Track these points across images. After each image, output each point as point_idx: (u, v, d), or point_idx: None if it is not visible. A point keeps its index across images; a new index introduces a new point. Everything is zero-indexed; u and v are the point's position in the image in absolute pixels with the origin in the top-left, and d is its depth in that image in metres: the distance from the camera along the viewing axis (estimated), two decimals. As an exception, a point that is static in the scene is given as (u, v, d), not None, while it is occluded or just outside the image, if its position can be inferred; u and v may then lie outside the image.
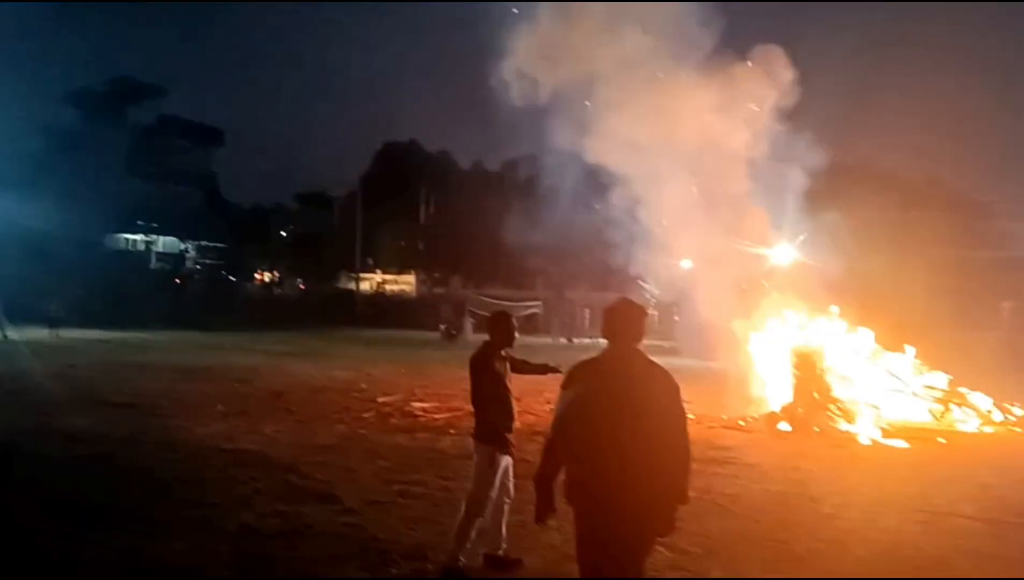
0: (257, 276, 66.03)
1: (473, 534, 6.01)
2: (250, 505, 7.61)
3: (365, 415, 13.53)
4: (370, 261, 63.03)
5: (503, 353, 6.22)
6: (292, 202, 70.03)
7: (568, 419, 4.24)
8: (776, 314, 16.51)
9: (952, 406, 15.15)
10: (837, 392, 14.22)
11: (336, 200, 63.73)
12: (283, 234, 66.51)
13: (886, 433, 13.28)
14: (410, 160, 61.28)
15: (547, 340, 40.97)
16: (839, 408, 13.87)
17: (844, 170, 39.94)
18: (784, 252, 24.65)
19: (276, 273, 66.84)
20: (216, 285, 55.66)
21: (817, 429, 13.30)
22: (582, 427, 4.19)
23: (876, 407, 14.52)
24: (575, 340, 38.87)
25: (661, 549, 6.48)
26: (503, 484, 6.07)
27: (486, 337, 6.29)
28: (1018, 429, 14.46)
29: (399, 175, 59.07)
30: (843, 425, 13.56)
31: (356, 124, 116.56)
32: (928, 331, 23.53)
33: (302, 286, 63.63)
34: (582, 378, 4.35)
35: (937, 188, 45.73)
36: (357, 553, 6.28)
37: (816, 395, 13.88)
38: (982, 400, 15.20)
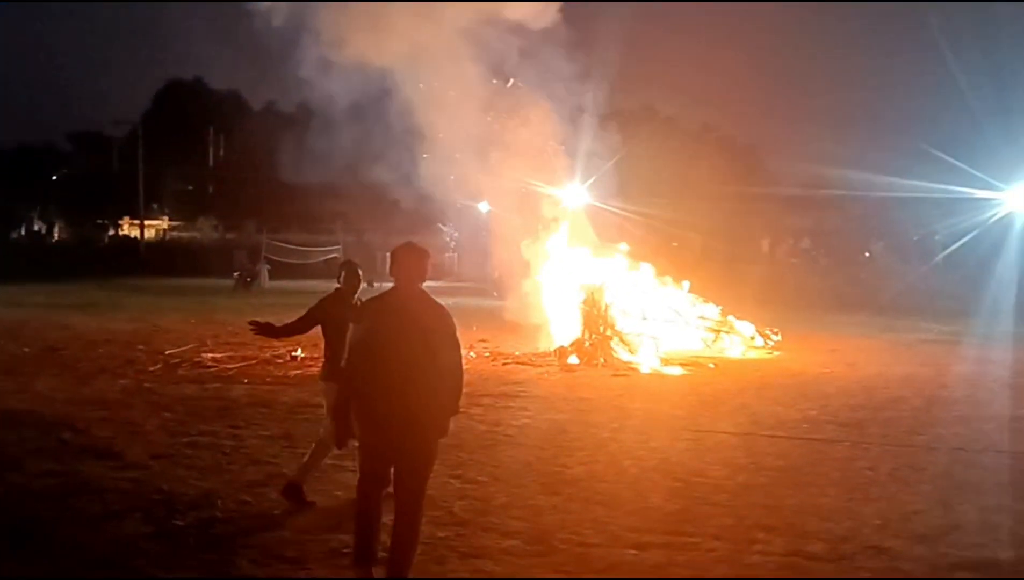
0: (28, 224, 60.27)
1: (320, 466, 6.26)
2: (20, 467, 7.14)
3: (151, 368, 12.92)
4: (155, 206, 59.14)
5: (355, 299, 6.38)
6: (65, 143, 63.94)
7: (357, 349, 4.71)
8: (565, 252, 17.28)
9: (722, 334, 16.64)
10: (621, 325, 15.18)
11: (115, 141, 58.87)
12: (54, 178, 60.70)
13: (664, 361, 14.39)
14: (196, 100, 57.65)
15: (348, 285, 40.68)
16: (622, 340, 14.82)
17: (629, 116, 41.91)
18: (576, 194, 25.66)
19: (47, 220, 61.25)
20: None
21: (603, 361, 14.16)
22: (369, 356, 4.64)
23: (656, 338, 15.66)
24: (376, 284, 38.68)
25: (451, 480, 6.80)
26: None
27: (337, 285, 6.58)
28: (776, 352, 16.09)
29: (184, 116, 55.48)
30: (626, 356, 14.52)
31: (137, 60, 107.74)
32: (702, 265, 25.54)
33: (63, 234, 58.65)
34: (370, 314, 4.87)
35: (711, 132, 48.96)
36: (140, 507, 6.08)
37: (601, 329, 14.74)
38: (747, 328, 16.78)
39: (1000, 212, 31.89)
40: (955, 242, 34.55)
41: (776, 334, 16.71)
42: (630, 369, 13.88)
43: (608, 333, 14.73)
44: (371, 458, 4.71)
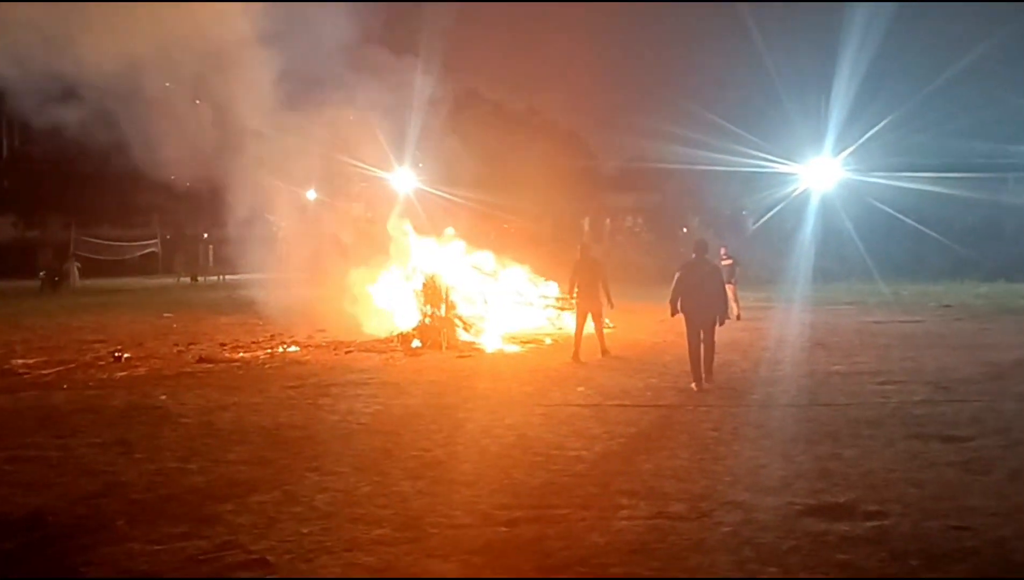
0: None
1: None
2: None
3: (-50, 380, 11.66)
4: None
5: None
6: None
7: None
8: (401, 238, 17.11)
9: (563, 311, 17.03)
10: (462, 308, 15.21)
11: None
12: None
13: (506, 341, 14.56)
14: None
15: (170, 280, 38.40)
16: (464, 322, 14.86)
17: (456, 101, 41.92)
18: (406, 179, 25.48)
19: None
20: None
21: (446, 344, 14.12)
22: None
23: (498, 318, 15.83)
24: (200, 278, 36.91)
25: (308, 474, 6.55)
26: None
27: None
28: (611, 326, 16.62)
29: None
30: (469, 337, 14.57)
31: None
32: (534, 247, 26.05)
33: None
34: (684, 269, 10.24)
35: (535, 116, 49.83)
36: (-43, 534, 5.45)
37: (443, 312, 14.71)
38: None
39: (799, 187, 34.50)
40: (762, 216, 37.09)
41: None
42: (474, 350, 13.94)
43: (450, 315, 14.72)
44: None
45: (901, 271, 28.46)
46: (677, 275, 10.38)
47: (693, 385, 10.08)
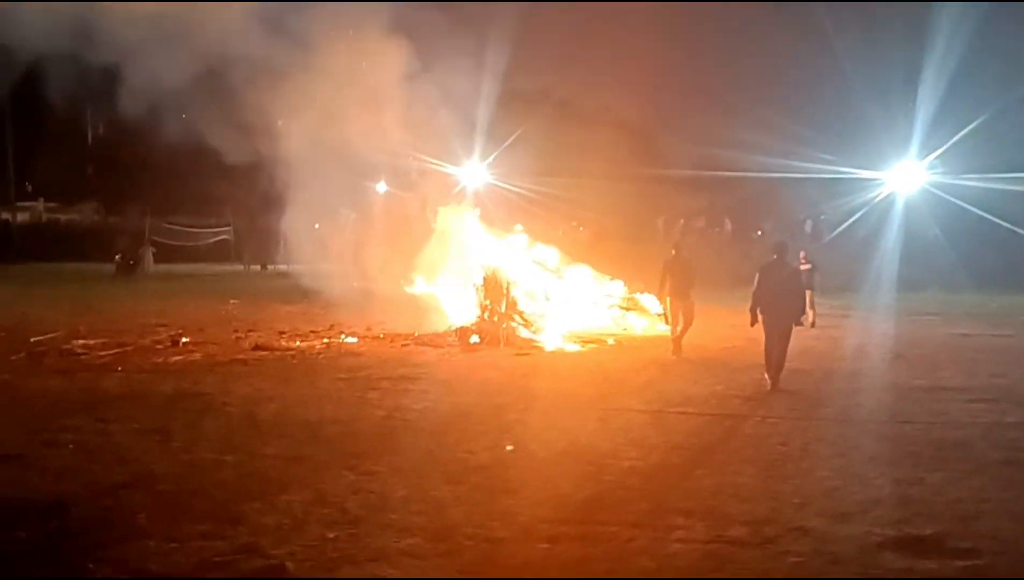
0: None
1: None
2: None
3: (12, 358, 11.74)
4: (29, 188, 55.32)
5: None
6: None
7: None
8: (466, 232, 16.75)
9: (628, 312, 16.48)
10: (523, 305, 14.78)
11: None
12: None
13: (567, 339, 14.07)
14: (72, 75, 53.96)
15: (239, 267, 38.91)
16: (524, 319, 14.42)
17: (525, 98, 41.52)
18: (476, 174, 25.21)
19: None
20: None
21: (505, 340, 13.70)
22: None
23: (560, 316, 15.37)
24: (269, 266, 37.30)
25: (345, 472, 6.22)
26: None
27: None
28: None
29: (60, 89, 51.83)
30: (529, 334, 14.13)
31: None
32: (602, 245, 25.46)
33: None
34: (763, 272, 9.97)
35: (605, 114, 49.04)
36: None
37: (503, 308, 14.30)
38: (653, 304, 16.63)
39: (882, 192, 33.09)
40: (842, 222, 35.69)
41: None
42: (533, 347, 13.50)
43: (510, 311, 14.31)
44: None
45: (992, 280, 26.90)
46: (757, 277, 10.28)
47: (767, 376, 10.02)
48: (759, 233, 43.62)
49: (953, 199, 30.41)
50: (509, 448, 7.08)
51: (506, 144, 25.46)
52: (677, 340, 12.74)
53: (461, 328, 14.20)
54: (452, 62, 17.36)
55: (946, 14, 26.93)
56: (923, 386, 10.42)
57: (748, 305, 10.10)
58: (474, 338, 13.80)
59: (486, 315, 14.26)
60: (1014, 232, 28.10)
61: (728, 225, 39.20)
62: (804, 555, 4.68)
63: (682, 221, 47.83)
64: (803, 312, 10.89)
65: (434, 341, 13.89)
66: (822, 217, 42.35)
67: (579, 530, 5.05)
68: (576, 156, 35.21)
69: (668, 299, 12.84)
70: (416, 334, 14.37)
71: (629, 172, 38.88)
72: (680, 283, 12.66)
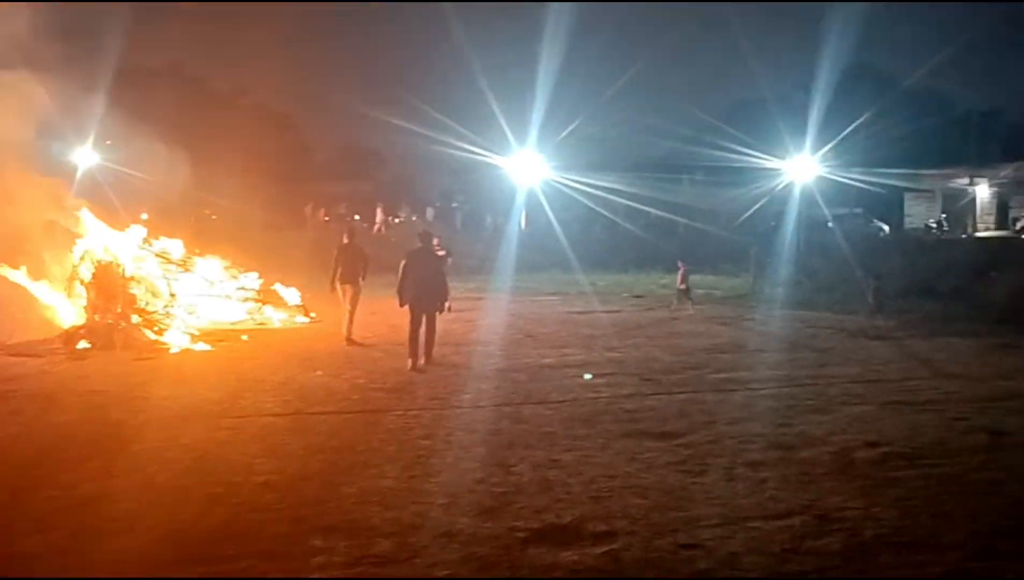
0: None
1: None
2: None
3: None
4: None
5: None
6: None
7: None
8: (72, 224, 14.63)
9: (264, 305, 15.53)
10: (144, 302, 13.25)
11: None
12: None
13: (195, 338, 12.87)
14: None
15: None
16: (145, 318, 12.94)
17: (152, 75, 37.93)
18: (84, 154, 22.30)
19: None
20: None
21: (123, 344, 12.14)
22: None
23: (189, 313, 14.05)
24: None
25: None
26: None
27: None
28: (312, 316, 15.42)
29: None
30: (151, 335, 12.69)
31: None
32: (239, 234, 23.96)
33: None
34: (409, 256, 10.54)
35: (243, 96, 46.72)
36: None
37: (119, 308, 12.69)
38: (293, 295, 15.86)
39: (505, 182, 35.39)
40: (480, 212, 37.50)
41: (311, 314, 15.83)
42: (156, 350, 12.13)
43: (127, 311, 12.73)
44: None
45: (597, 262, 29.96)
46: (403, 263, 10.74)
47: (409, 362, 10.38)
48: (397, 220, 44.40)
49: (568, 192, 33.88)
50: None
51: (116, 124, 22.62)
52: (350, 326, 12.81)
53: (66, 332, 12.33)
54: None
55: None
56: (551, 364, 11.01)
57: (394, 291, 10.68)
58: (83, 343, 12.03)
59: (97, 316, 12.53)
60: (613, 220, 32.71)
61: (380, 213, 39.25)
62: (451, 565, 4.45)
63: (322, 209, 47.14)
64: (447, 297, 11.43)
65: (32, 349, 11.87)
66: (453, 205, 44.29)
67: (201, 570, 4.35)
68: (208, 139, 32.76)
69: (339, 286, 12.97)
70: (8, 343, 12.17)
71: (271, 158, 37.37)
72: (350, 270, 12.99)
